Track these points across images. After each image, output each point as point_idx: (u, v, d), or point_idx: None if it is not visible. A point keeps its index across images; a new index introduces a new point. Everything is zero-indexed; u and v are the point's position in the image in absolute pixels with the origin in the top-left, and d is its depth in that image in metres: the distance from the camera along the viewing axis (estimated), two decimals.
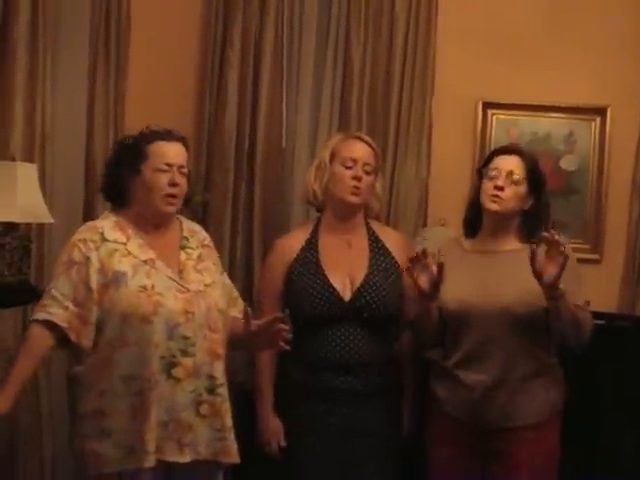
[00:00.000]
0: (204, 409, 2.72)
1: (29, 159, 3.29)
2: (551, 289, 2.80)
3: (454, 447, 3.06)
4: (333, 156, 3.26)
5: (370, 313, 3.15)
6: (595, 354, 3.47)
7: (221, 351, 2.79)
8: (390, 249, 3.28)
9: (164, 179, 2.76)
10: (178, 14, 4.42)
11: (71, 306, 2.64)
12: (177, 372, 2.68)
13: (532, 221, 3.06)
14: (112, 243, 2.72)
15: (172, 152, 2.81)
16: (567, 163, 4.45)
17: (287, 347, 2.81)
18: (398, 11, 4.37)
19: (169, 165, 2.77)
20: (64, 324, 2.63)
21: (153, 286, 2.69)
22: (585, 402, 3.63)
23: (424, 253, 2.90)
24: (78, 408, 2.73)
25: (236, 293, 3.04)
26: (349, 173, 3.20)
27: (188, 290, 2.74)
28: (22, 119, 3.31)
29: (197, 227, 3.00)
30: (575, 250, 4.10)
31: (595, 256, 4.42)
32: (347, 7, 4.38)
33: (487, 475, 3.04)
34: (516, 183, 3.01)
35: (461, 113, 4.47)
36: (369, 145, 3.29)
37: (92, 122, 3.74)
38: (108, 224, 2.78)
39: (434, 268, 2.90)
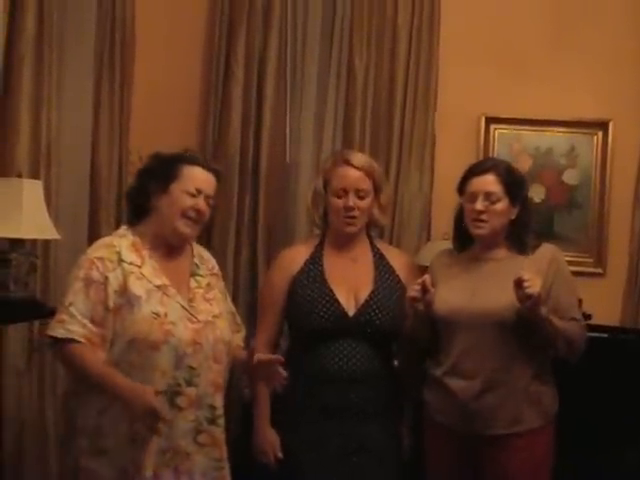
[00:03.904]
0: (202, 438, 2.72)
1: (35, 175, 3.30)
2: (531, 315, 2.87)
3: (447, 458, 3.07)
4: (326, 184, 3.23)
5: (373, 329, 3.14)
6: (598, 367, 3.49)
7: (222, 382, 2.80)
8: (395, 268, 3.27)
9: (189, 202, 2.76)
10: (182, 30, 4.45)
11: (89, 324, 2.62)
12: (180, 401, 2.67)
13: (519, 228, 3.06)
14: (128, 265, 2.70)
15: (204, 179, 2.81)
16: (569, 177, 4.47)
17: (279, 389, 2.85)
18: (400, 27, 4.41)
19: (198, 191, 2.77)
20: (83, 341, 2.62)
21: (166, 314, 2.68)
22: (588, 415, 3.64)
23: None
24: (76, 423, 2.71)
25: (239, 319, 3.05)
26: (341, 203, 3.17)
27: (198, 320, 2.74)
28: (28, 136, 3.31)
29: (206, 254, 3.00)
30: (578, 264, 4.17)
31: (598, 270, 4.45)
32: (350, 23, 4.41)
33: None
34: (496, 202, 3.00)
35: (464, 128, 4.51)
36: (359, 168, 3.20)
37: (97, 138, 3.75)
38: (125, 244, 2.76)
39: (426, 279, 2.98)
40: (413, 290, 2.98)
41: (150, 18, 4.10)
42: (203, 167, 2.82)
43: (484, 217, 3.00)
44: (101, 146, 3.77)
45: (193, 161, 2.82)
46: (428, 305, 2.99)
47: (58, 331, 2.63)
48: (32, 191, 3.14)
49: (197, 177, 2.80)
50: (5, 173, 3.22)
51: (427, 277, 2.99)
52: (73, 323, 2.62)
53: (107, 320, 2.64)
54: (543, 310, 2.88)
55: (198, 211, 2.78)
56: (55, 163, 3.46)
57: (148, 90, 4.10)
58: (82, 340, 2.61)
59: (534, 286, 2.81)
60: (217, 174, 2.88)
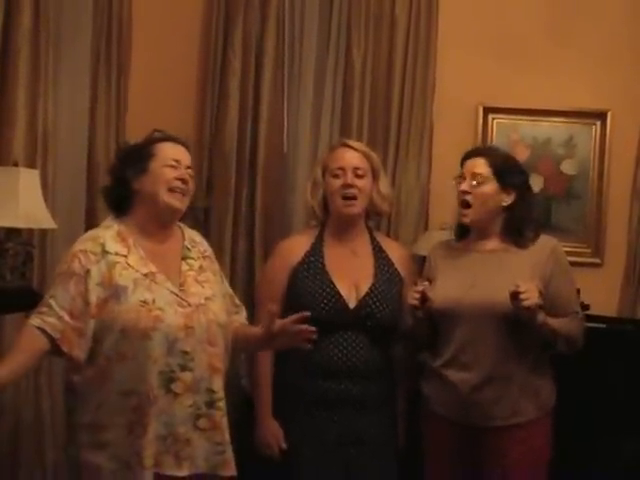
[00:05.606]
0: (202, 423, 2.70)
1: (31, 165, 3.30)
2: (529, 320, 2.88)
3: (447, 449, 3.07)
4: (325, 171, 3.26)
5: (373, 322, 3.14)
6: (595, 358, 3.49)
7: (220, 365, 2.77)
8: (394, 261, 3.27)
9: (173, 173, 2.77)
10: (180, 20, 4.43)
11: (66, 317, 2.61)
12: (176, 387, 2.65)
13: (515, 219, 3.05)
14: (113, 256, 2.69)
15: (179, 151, 2.84)
16: (567, 167, 4.47)
17: (309, 346, 2.77)
18: (398, 16, 4.39)
19: (177, 161, 2.79)
20: (56, 334, 2.60)
21: (154, 300, 2.66)
22: (585, 406, 3.64)
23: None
24: (75, 418, 2.71)
25: (238, 301, 3.03)
26: (339, 182, 3.18)
27: (189, 304, 2.72)
28: (24, 125, 3.31)
29: (198, 237, 2.98)
30: (576, 254, 4.16)
31: (596, 260, 4.44)
32: (348, 12, 4.40)
33: (478, 478, 3.05)
34: (481, 183, 3.00)
35: (462, 118, 4.49)
36: (356, 149, 3.25)
37: (94, 128, 3.75)
38: (110, 235, 2.75)
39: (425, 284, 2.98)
40: (413, 298, 2.97)
41: (147, 11, 4.10)
42: (173, 142, 2.86)
43: (469, 198, 3.00)
44: (98, 136, 3.77)
45: (164, 139, 2.86)
46: (428, 311, 2.98)
47: (35, 320, 2.63)
48: (29, 180, 3.14)
49: (172, 150, 2.83)
50: (1, 163, 3.22)
51: (426, 284, 2.98)
52: (50, 315, 2.62)
53: (86, 314, 2.63)
54: (540, 317, 2.87)
55: (183, 180, 2.79)
56: (52, 154, 3.46)
57: (145, 81, 4.10)
58: (56, 335, 2.60)
59: (531, 298, 2.80)
60: (186, 146, 2.92)
